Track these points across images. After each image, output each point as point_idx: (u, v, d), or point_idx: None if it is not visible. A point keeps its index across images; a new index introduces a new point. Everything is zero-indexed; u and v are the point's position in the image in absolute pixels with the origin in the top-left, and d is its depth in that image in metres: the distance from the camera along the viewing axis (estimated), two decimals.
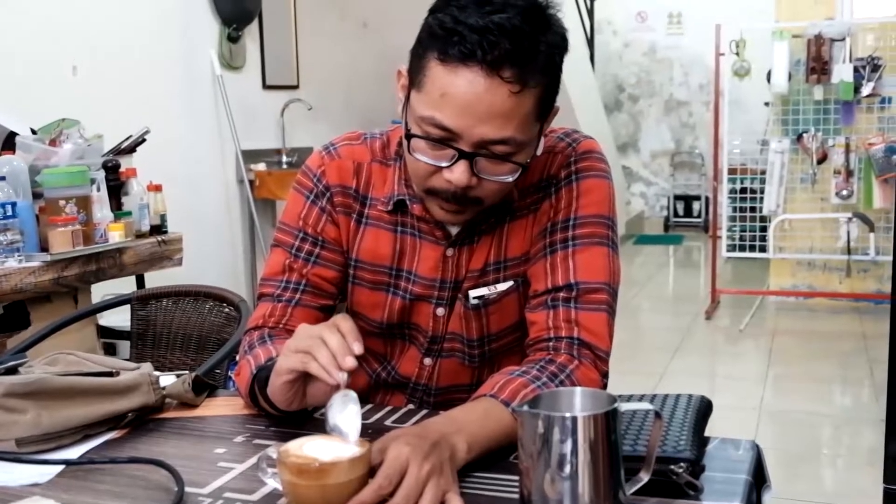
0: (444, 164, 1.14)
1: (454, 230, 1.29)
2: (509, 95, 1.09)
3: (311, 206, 1.32)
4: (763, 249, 5.50)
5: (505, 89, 1.08)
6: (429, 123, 1.12)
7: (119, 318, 3.02)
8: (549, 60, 1.13)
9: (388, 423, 1.23)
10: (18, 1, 3.43)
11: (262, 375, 1.17)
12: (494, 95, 1.08)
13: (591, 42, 8.08)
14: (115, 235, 2.69)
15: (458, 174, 1.13)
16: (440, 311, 1.31)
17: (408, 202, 1.29)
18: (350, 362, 0.99)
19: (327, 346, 1.01)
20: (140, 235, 2.90)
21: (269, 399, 1.16)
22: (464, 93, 1.09)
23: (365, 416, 1.25)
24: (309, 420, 1.23)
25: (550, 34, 1.12)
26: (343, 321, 1.05)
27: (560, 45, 1.14)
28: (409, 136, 1.16)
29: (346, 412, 0.96)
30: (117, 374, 1.25)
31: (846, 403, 3.99)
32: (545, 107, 1.16)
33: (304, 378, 1.08)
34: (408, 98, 1.17)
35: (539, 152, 1.22)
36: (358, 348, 1.01)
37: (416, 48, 1.15)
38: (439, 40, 1.10)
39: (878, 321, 5.08)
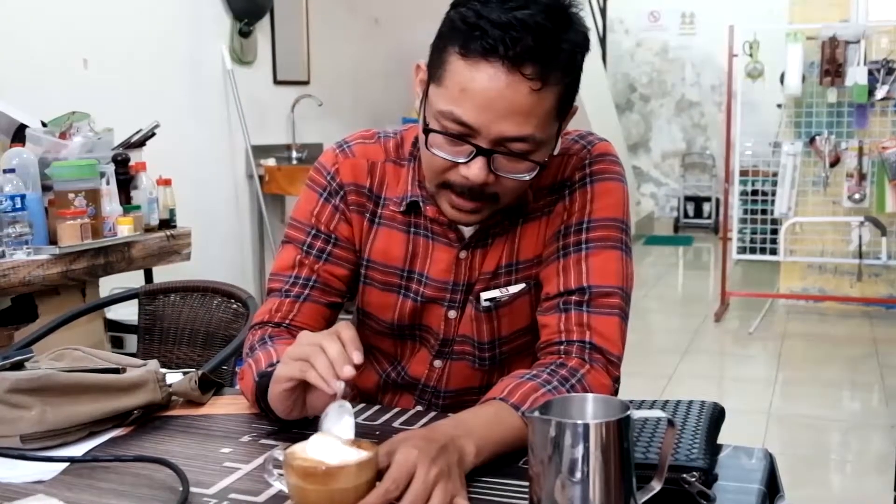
0: (461, 161, 1.12)
1: (468, 232, 1.27)
2: (530, 92, 1.07)
3: (325, 204, 1.31)
4: (774, 252, 5.47)
5: (526, 86, 1.07)
6: (447, 118, 1.11)
7: (127, 312, 3.02)
8: (571, 59, 1.11)
9: (395, 424, 1.21)
10: None
11: (262, 383, 1.15)
12: (515, 92, 1.07)
13: (603, 41, 8.05)
14: (124, 229, 2.69)
15: (475, 171, 1.12)
16: (452, 313, 1.30)
17: (421, 203, 1.27)
18: (348, 371, 0.97)
19: (326, 355, 0.99)
20: (149, 229, 2.89)
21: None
22: (484, 88, 1.07)
23: (373, 418, 1.24)
24: (316, 421, 1.22)
25: (573, 32, 1.11)
26: (345, 329, 1.03)
27: (582, 44, 1.13)
28: (426, 130, 1.14)
29: (341, 423, 0.95)
30: (123, 370, 1.24)
31: (855, 409, 3.96)
32: (565, 106, 1.15)
33: (304, 386, 1.06)
34: (426, 93, 1.16)
35: (556, 152, 1.20)
36: (358, 357, 0.99)
37: (437, 42, 1.13)
38: (461, 35, 1.08)
39: (888, 326, 5.06)
